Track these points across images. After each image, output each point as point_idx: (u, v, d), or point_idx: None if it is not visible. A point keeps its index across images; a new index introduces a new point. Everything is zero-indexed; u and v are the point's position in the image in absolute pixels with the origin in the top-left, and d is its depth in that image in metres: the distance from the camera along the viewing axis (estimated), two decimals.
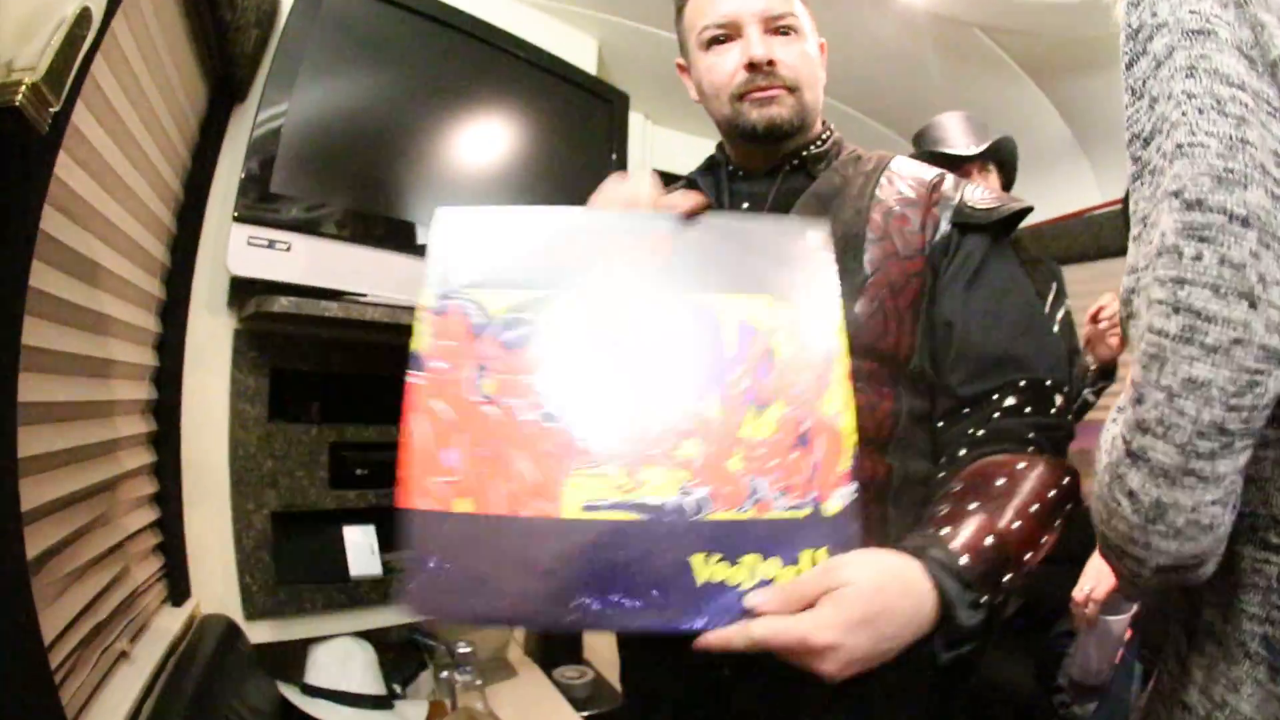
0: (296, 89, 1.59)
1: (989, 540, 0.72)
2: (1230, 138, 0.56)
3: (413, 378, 0.71)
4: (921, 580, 0.68)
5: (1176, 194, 0.57)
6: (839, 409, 0.72)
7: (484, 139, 1.99)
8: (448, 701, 1.72)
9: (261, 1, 1.55)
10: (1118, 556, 0.64)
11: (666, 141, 2.80)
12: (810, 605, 0.64)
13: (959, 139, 1.95)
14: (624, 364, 0.72)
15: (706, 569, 0.68)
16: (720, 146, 1.11)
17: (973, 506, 0.75)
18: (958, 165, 1.92)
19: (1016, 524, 0.74)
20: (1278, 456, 0.64)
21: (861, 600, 0.64)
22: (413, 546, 0.68)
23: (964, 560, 0.69)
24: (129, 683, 1.06)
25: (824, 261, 0.77)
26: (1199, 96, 0.58)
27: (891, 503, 0.88)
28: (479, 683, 1.77)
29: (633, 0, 2.31)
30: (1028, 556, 0.74)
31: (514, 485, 0.68)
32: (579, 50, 2.36)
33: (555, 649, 2.23)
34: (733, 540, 0.68)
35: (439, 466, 0.69)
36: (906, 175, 1.03)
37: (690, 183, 1.11)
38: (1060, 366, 0.91)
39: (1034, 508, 0.75)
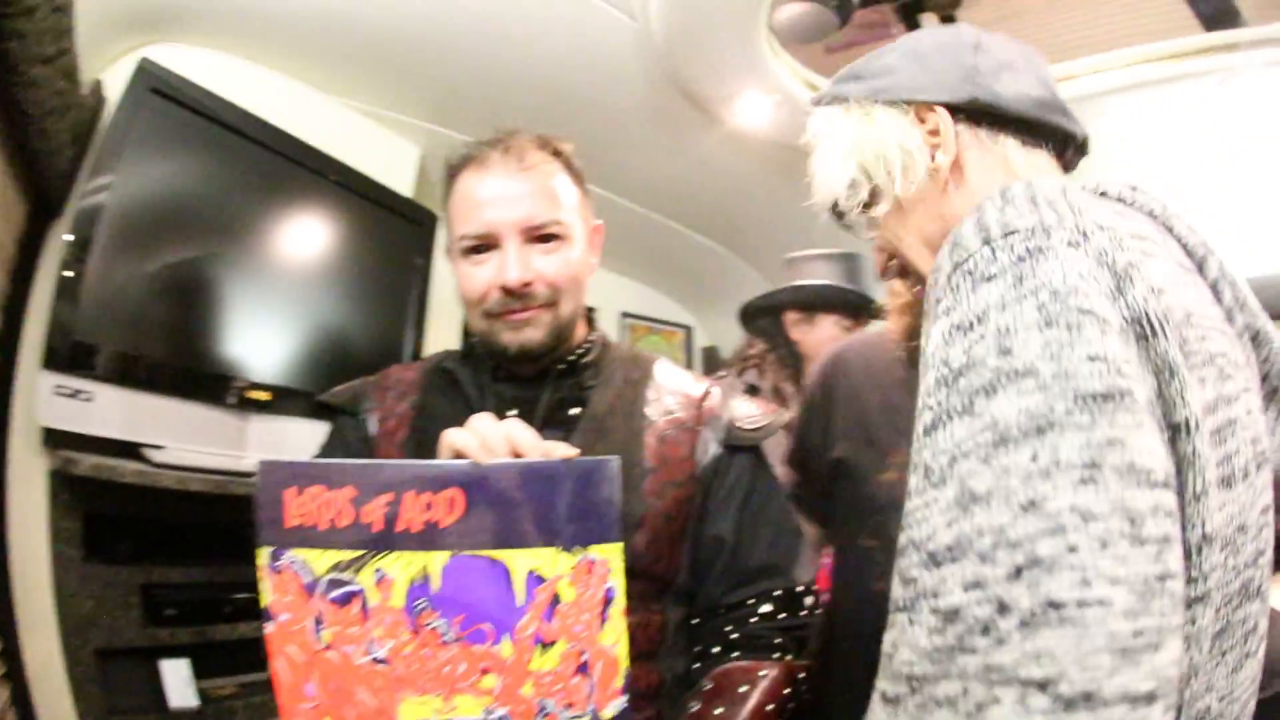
0: (101, 237, 1.71)
1: None
2: (1146, 580, 0.43)
3: (266, 628, 0.88)
4: None
5: (1042, 686, 0.42)
6: (615, 639, 0.89)
7: (293, 267, 2.19)
8: None
9: (81, 114, 1.64)
10: None
11: None
12: None
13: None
14: (431, 615, 0.88)
15: None
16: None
17: (719, 711, 0.96)
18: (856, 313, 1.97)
19: None
20: None
21: None
22: None
23: None
24: None
25: (611, 504, 0.87)
26: (1102, 518, 0.43)
27: (665, 702, 1.02)
28: None
29: (454, 113, 2.55)
30: None
31: (360, 711, 0.91)
32: (400, 158, 2.57)
33: None
34: None
35: (303, 696, 0.89)
36: (673, 389, 1.11)
37: (450, 377, 1.12)
38: (808, 566, 1.08)
39: (769, 708, 0.97)
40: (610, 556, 0.88)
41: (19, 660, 1.55)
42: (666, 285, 3.87)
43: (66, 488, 1.68)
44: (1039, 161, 0.78)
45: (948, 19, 2.02)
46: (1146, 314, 0.49)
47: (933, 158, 0.76)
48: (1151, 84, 1.97)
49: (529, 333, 1.01)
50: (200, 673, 1.89)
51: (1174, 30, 1.92)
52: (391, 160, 2.51)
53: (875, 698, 0.55)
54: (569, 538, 0.87)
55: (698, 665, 1.03)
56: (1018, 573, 0.43)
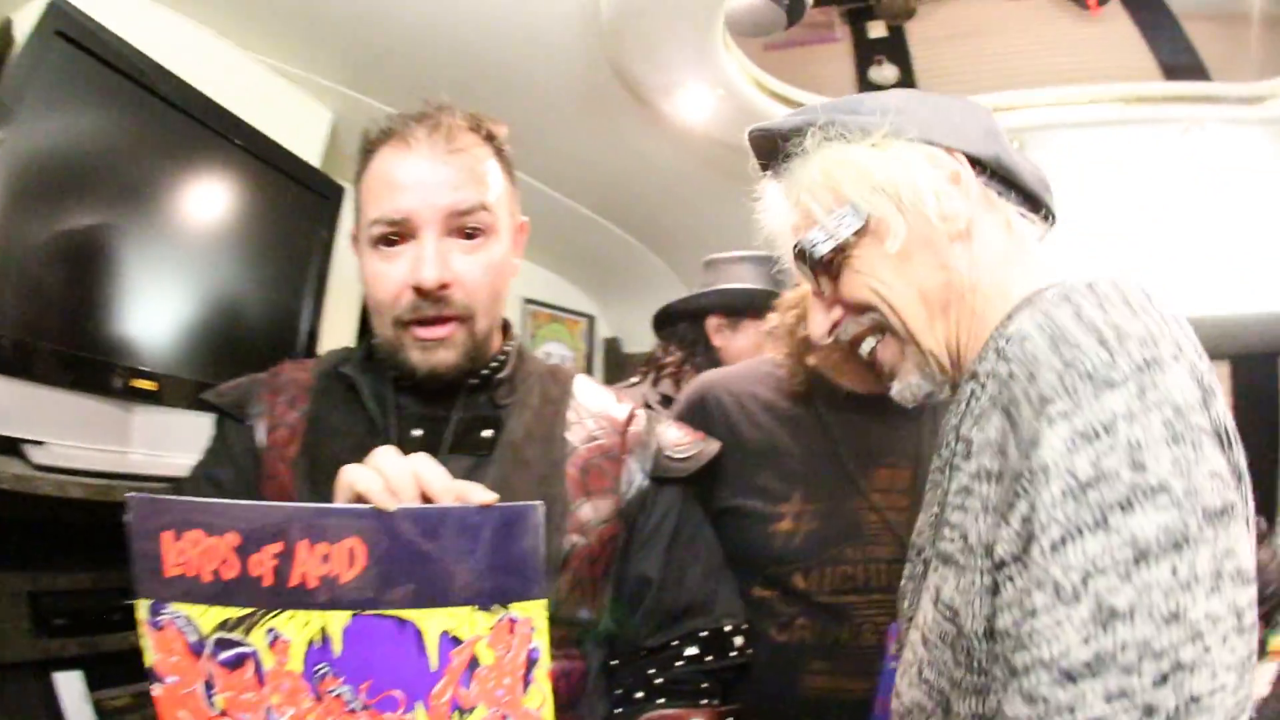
0: None
1: None
2: (1243, 661, 0.50)
3: (154, 689, 0.79)
4: None
5: None
6: (540, 702, 0.81)
7: (186, 239, 1.98)
8: None
9: None
10: None
11: None
12: None
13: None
14: (334, 681, 0.79)
15: None
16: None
17: None
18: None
19: None
20: None
21: None
22: None
23: None
24: None
25: (534, 556, 0.79)
26: (1223, 619, 0.49)
27: None
28: None
29: (374, 78, 2.40)
30: None
31: None
32: (311, 122, 2.40)
33: None
34: None
35: None
36: (595, 410, 1.04)
37: (348, 383, 1.01)
38: (738, 604, 1.04)
39: None
40: (534, 614, 0.80)
41: None
42: (573, 273, 3.81)
43: None
44: (1031, 234, 0.78)
45: (896, 30, 2.06)
46: (1226, 426, 0.54)
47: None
48: (1109, 124, 2.04)
49: (441, 355, 0.92)
50: (93, 684, 1.75)
51: (1129, 72, 2.02)
52: (301, 124, 2.32)
53: None
54: (487, 595, 0.79)
55: (620, 710, 0.97)
56: (1163, 679, 0.48)
